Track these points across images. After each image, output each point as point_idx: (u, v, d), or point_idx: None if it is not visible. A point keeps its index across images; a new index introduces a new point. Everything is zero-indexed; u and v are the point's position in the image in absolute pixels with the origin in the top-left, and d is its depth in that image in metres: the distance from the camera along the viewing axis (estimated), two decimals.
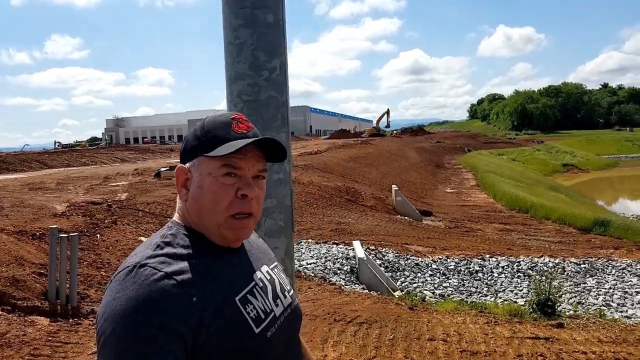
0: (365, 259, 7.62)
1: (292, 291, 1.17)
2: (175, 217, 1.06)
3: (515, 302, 7.72)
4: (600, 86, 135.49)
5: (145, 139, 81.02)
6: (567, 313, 5.89)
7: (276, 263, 1.20)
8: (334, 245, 9.20)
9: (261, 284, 1.07)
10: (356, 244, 8.36)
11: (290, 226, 1.45)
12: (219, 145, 1.00)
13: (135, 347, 0.84)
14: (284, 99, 1.42)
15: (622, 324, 5.22)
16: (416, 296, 7.72)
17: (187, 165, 1.03)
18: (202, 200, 1.00)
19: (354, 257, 8.03)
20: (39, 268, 5.24)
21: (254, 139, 1.01)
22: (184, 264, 0.94)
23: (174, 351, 0.86)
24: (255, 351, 0.97)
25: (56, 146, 58.27)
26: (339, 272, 7.60)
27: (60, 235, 4.62)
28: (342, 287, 6.59)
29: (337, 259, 8.08)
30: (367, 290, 7.13)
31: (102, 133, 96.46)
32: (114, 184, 13.42)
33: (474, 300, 8.03)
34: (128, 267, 0.92)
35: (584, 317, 5.52)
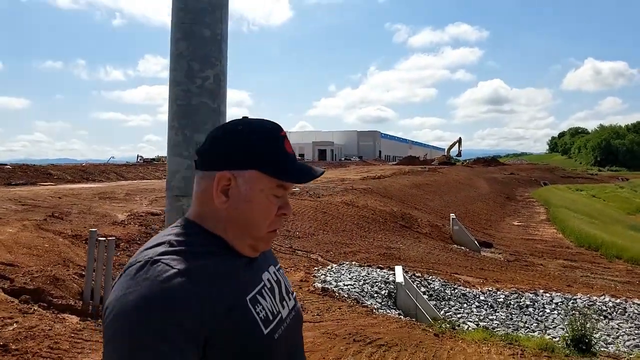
0: (403, 283, 7.51)
1: (294, 293, 1.19)
2: (191, 215, 1.05)
3: None
4: None
5: None
6: (607, 351, 5.48)
7: (279, 265, 1.22)
8: (378, 269, 9.13)
9: (269, 285, 1.07)
10: (398, 268, 8.26)
11: None
12: (276, 162, 1.00)
13: (146, 344, 0.83)
14: (216, 105, 1.56)
15: None
16: (448, 324, 7.50)
17: (233, 172, 1.00)
18: (250, 215, 1.00)
19: (394, 281, 7.93)
20: (81, 270, 5.65)
21: (322, 170, 1.07)
22: (196, 262, 0.93)
23: (184, 349, 0.85)
24: (263, 352, 0.97)
25: (138, 160, 62.25)
26: (375, 295, 7.54)
27: (99, 239, 4.96)
28: (375, 311, 6.54)
29: (375, 282, 8.02)
30: (401, 316, 7.02)
31: None
32: None
33: (522, 334, 7.66)
34: (140, 262, 0.92)
35: (625, 357, 5.13)
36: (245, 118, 1.07)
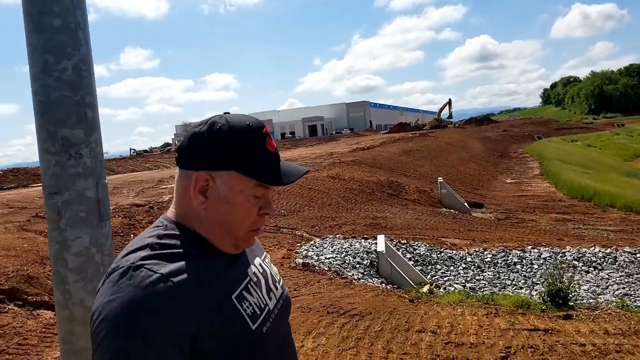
0: (384, 252, 7.54)
1: (281, 281, 1.18)
2: (170, 214, 1.04)
3: None
4: None
5: None
6: (586, 304, 5.53)
7: (265, 254, 1.21)
8: (363, 240, 9.15)
9: (255, 279, 1.07)
10: (380, 237, 8.27)
11: (95, 216, 1.54)
12: (256, 163, 0.98)
13: (132, 350, 0.83)
14: (79, 97, 1.50)
15: None
16: (439, 289, 7.57)
17: (211, 173, 0.97)
18: (229, 216, 0.99)
19: (376, 251, 7.96)
20: None
21: (305, 170, 1.05)
22: (180, 265, 0.92)
23: (170, 353, 0.85)
24: (253, 348, 0.98)
25: (131, 153, 62.20)
26: (357, 266, 7.57)
27: None
28: (355, 281, 6.57)
29: (357, 253, 8.04)
30: (385, 285, 7.06)
31: (172, 139, 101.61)
32: (164, 186, 14.14)
33: (508, 293, 7.72)
34: (122, 267, 0.91)
35: (604, 308, 5.17)
36: (226, 114, 1.02)
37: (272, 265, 1.18)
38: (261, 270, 1.11)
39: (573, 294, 5.31)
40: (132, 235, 7.84)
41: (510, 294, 6.33)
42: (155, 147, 79.75)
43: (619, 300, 5.96)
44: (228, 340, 0.93)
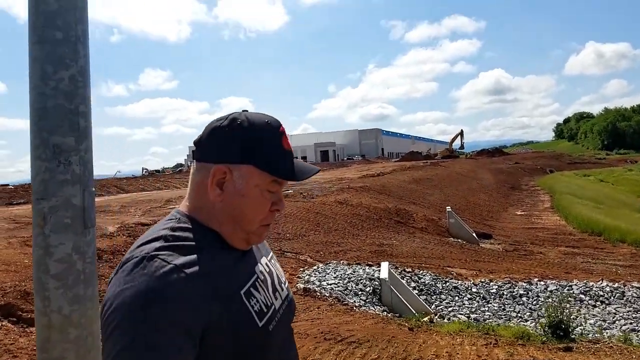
0: (387, 279, 7.46)
1: (287, 282, 1.19)
2: (183, 207, 1.06)
3: None
4: None
5: None
6: (588, 337, 5.41)
7: (272, 254, 1.23)
8: (367, 267, 9.08)
9: (262, 277, 1.08)
10: (384, 264, 8.20)
11: (79, 223, 1.57)
12: (273, 158, 1.01)
13: (143, 339, 0.83)
14: (74, 106, 1.56)
15: None
16: (443, 319, 7.45)
17: (229, 166, 1.00)
18: (243, 209, 1.01)
19: (379, 278, 7.89)
20: None
21: (317, 169, 1.09)
22: (192, 257, 0.94)
23: (181, 344, 0.86)
24: (259, 345, 0.98)
25: (144, 172, 62.83)
26: (360, 293, 7.49)
27: None
28: (355, 308, 6.50)
29: (360, 279, 7.97)
30: (387, 313, 6.97)
31: (185, 159, 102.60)
32: (171, 206, 14.22)
33: (514, 324, 7.57)
34: (136, 257, 0.92)
35: (606, 342, 5.05)
36: (245, 112, 1.06)
37: (277, 265, 1.19)
38: (267, 270, 1.12)
39: (575, 326, 5.20)
40: None
41: (512, 325, 6.20)
42: (168, 168, 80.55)
43: (622, 334, 5.81)
44: (236, 336, 0.94)
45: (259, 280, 1.05)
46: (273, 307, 1.05)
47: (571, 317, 5.18)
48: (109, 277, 4.63)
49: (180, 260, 0.92)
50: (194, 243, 0.97)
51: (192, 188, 1.05)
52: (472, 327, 5.43)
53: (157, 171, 63.97)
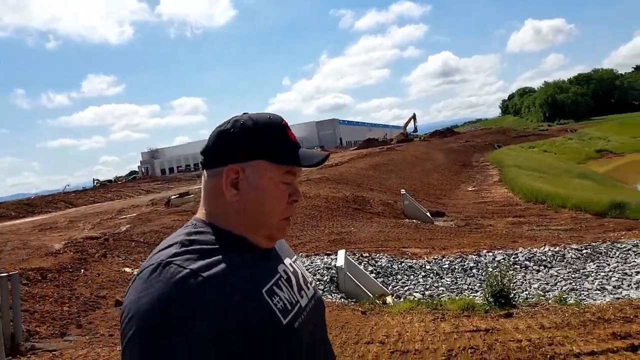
0: (344, 267, 7.63)
1: (313, 283, 1.20)
2: (200, 215, 1.07)
3: None
4: (633, 69, 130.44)
5: (179, 168, 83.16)
6: (528, 301, 5.75)
7: (296, 256, 1.23)
8: (325, 256, 9.23)
9: (285, 276, 1.08)
10: (340, 252, 8.36)
11: None
12: (282, 150, 1.03)
13: (162, 346, 0.84)
14: None
15: (576, 307, 5.06)
16: (400, 299, 7.69)
17: (241, 165, 1.02)
18: (262, 204, 1.02)
19: (335, 266, 8.05)
20: None
21: (325, 154, 1.09)
22: (209, 260, 0.94)
23: (200, 349, 0.86)
24: (285, 342, 0.98)
25: (95, 183, 60.60)
26: (317, 283, 7.63)
27: (1, 275, 4.87)
28: None
29: (318, 269, 8.12)
30: (344, 299, 7.14)
31: (138, 166, 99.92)
32: (123, 216, 13.92)
33: (466, 296, 7.91)
34: (152, 265, 0.92)
35: (543, 304, 5.39)
36: (246, 114, 1.09)
37: (303, 267, 1.20)
38: (292, 270, 1.13)
39: (515, 293, 5.51)
40: (82, 270, 7.68)
41: (464, 297, 6.50)
42: (121, 176, 78.04)
43: (557, 296, 6.20)
44: (259, 334, 0.94)
45: (282, 279, 1.06)
46: (299, 304, 1.06)
47: (511, 285, 5.48)
48: (53, 295, 4.52)
49: (197, 264, 0.93)
50: (210, 246, 0.98)
51: (205, 196, 1.07)
52: (422, 304, 5.66)
53: (110, 181, 61.86)
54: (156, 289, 0.88)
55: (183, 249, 0.95)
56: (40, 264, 7.61)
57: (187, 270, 0.90)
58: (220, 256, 0.96)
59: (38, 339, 5.03)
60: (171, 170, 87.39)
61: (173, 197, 16.06)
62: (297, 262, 1.20)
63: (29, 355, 4.55)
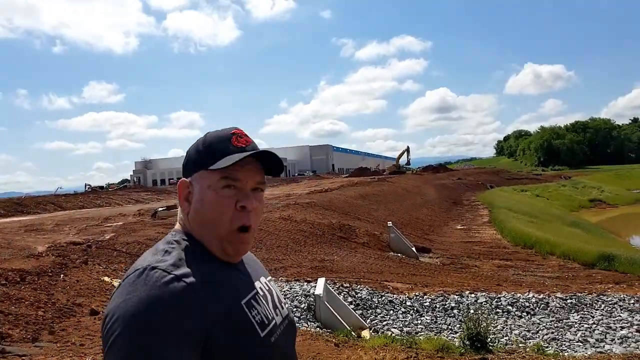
0: (322, 295, 7.58)
1: (287, 304, 1.22)
2: (177, 226, 1.10)
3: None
4: (630, 121, 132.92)
5: (171, 180, 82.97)
6: (504, 347, 5.72)
7: (270, 277, 1.24)
8: (306, 283, 9.17)
9: (262, 293, 1.10)
10: (320, 280, 8.32)
11: None
12: (219, 159, 1.04)
13: (145, 348, 0.85)
14: None
15: (553, 358, 5.05)
16: (377, 333, 7.63)
17: (189, 179, 1.07)
18: (204, 213, 1.04)
19: (314, 294, 8.00)
20: None
21: (251, 152, 1.06)
22: (192, 268, 0.96)
23: (183, 351, 0.87)
24: (260, 355, 1.00)
25: (87, 188, 60.42)
26: (295, 310, 7.56)
27: None
28: None
29: (296, 296, 8.06)
30: (320, 329, 7.08)
31: (130, 175, 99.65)
32: (109, 224, 13.82)
33: (444, 337, 7.85)
34: (138, 269, 0.95)
35: (520, 352, 5.37)
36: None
37: (276, 287, 1.21)
38: (267, 288, 1.15)
39: (492, 338, 5.49)
40: (62, 275, 7.59)
41: (435, 337, 6.46)
42: (112, 184, 77.77)
43: (535, 345, 6.18)
44: (238, 343, 0.96)
45: (258, 295, 1.09)
46: (274, 321, 1.08)
47: (489, 329, 5.47)
48: (29, 299, 4.47)
49: (181, 270, 0.95)
50: (191, 255, 1.00)
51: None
52: (396, 341, 5.63)
53: (101, 187, 61.69)
54: (142, 292, 0.89)
55: (166, 256, 0.98)
56: (21, 266, 7.52)
57: (172, 275, 0.93)
58: (202, 265, 0.99)
59: (10, 342, 4.96)
60: (162, 182, 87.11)
61: (160, 209, 15.98)
62: (272, 282, 1.22)
63: None
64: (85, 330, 5.67)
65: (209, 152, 1.05)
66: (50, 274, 7.42)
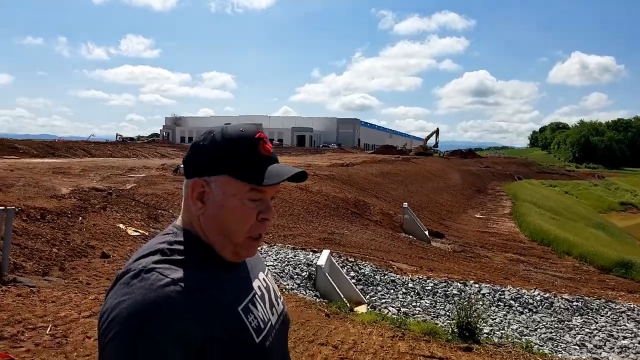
0: (323, 266, 7.75)
1: (281, 297, 1.21)
2: (179, 222, 1.07)
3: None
4: None
5: None
6: (495, 340, 5.80)
7: (267, 269, 1.24)
8: (311, 252, 9.35)
9: (259, 293, 1.10)
10: (325, 252, 8.48)
11: None
12: (247, 166, 1.00)
13: (139, 351, 0.85)
14: None
15: (540, 357, 5.11)
16: (375, 310, 7.79)
17: (206, 178, 1.01)
18: (225, 220, 1.01)
19: (316, 263, 8.17)
20: None
21: (296, 170, 1.03)
22: (189, 272, 0.95)
23: (177, 357, 0.87)
24: None
25: (117, 138, 62.02)
26: (295, 277, 7.77)
27: None
28: (285, 291, 6.77)
29: (298, 264, 8.25)
30: (316, 298, 7.26)
31: (160, 130, 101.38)
32: (132, 175, 14.22)
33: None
34: (134, 271, 0.93)
35: (507, 346, 5.43)
36: (226, 125, 1.08)
37: (273, 280, 1.21)
38: (264, 285, 1.14)
39: (481, 328, 5.56)
40: (80, 217, 7.94)
41: (425, 321, 6.57)
42: (143, 136, 79.57)
43: (528, 341, 6.22)
44: (233, 351, 0.96)
45: (256, 296, 1.08)
46: (270, 323, 1.07)
47: (479, 320, 5.53)
48: (46, 236, 4.75)
49: (178, 274, 0.93)
50: (190, 257, 0.98)
51: (183, 203, 1.08)
52: (386, 319, 5.75)
53: (131, 139, 63.21)
54: (138, 294, 0.89)
55: (164, 257, 0.96)
56: (44, 205, 7.89)
57: (169, 279, 0.91)
58: (200, 269, 0.98)
59: (22, 273, 5.29)
60: (190, 139, 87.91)
61: (182, 165, 16.28)
62: (269, 275, 1.21)
63: (9, 286, 4.81)
64: (93, 270, 5.98)
65: (235, 153, 1.01)
66: (70, 215, 7.77)
